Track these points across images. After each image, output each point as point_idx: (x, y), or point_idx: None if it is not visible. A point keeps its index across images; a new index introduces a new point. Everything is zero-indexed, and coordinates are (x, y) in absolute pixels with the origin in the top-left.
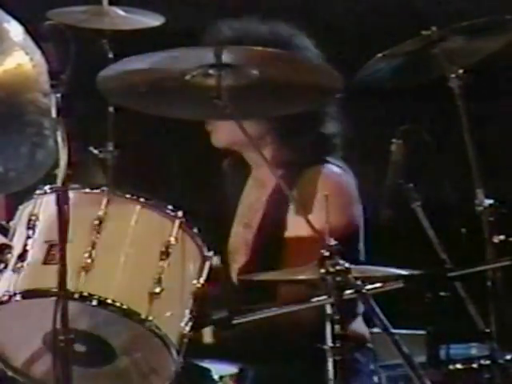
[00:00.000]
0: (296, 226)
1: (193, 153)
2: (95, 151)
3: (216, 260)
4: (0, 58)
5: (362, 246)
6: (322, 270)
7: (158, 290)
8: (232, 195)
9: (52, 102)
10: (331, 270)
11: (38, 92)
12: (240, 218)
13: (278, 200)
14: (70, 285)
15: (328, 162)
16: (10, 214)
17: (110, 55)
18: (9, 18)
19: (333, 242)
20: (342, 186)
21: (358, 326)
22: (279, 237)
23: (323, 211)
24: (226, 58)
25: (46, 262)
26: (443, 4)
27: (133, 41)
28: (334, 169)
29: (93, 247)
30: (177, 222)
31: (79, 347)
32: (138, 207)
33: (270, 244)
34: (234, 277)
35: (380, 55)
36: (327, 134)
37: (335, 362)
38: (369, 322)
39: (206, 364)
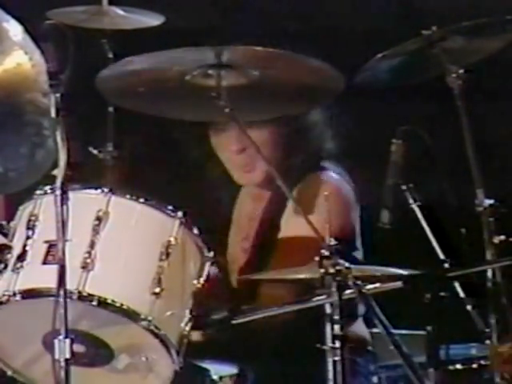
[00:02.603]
0: (290, 227)
1: (192, 153)
2: (95, 151)
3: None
4: None
5: (359, 245)
6: (322, 270)
7: (157, 290)
8: (226, 204)
9: (51, 102)
10: (331, 270)
11: (38, 92)
12: (237, 230)
13: (274, 208)
14: (70, 285)
15: (325, 168)
16: (10, 214)
17: (110, 55)
18: (8, 17)
19: (333, 242)
20: (339, 192)
21: (359, 328)
22: (273, 240)
23: (323, 214)
24: (225, 58)
25: (45, 261)
26: (443, 4)
27: (133, 41)
28: (333, 175)
29: (93, 247)
30: (177, 222)
31: (79, 347)
32: (138, 207)
33: (266, 247)
34: (235, 284)
35: (380, 55)
36: (322, 144)
37: (334, 363)
38: (369, 323)
39: (205, 364)
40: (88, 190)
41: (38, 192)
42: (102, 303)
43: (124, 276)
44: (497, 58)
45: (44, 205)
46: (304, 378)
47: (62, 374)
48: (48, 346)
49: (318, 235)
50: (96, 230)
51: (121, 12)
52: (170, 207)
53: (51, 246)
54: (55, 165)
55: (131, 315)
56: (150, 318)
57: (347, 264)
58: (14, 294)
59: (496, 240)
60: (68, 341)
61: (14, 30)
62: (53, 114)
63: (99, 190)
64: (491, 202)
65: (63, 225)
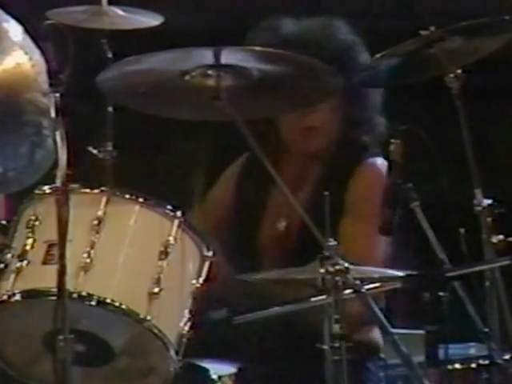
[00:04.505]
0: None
1: (192, 152)
2: (95, 151)
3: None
4: None
5: None
6: (322, 270)
7: (156, 289)
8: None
9: (51, 102)
10: (330, 269)
11: (37, 92)
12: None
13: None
14: (70, 285)
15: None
16: (10, 214)
17: (110, 55)
18: (8, 17)
19: (332, 243)
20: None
21: (374, 334)
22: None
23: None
24: (225, 58)
25: (45, 261)
26: (442, 4)
27: (132, 41)
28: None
29: (92, 247)
30: (176, 222)
31: (79, 347)
32: (137, 207)
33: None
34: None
35: (379, 55)
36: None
37: (334, 362)
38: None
39: (205, 364)
40: (87, 190)
41: (37, 192)
42: (101, 303)
43: (123, 276)
44: (496, 58)
45: (44, 205)
46: (304, 377)
47: (62, 373)
48: (48, 345)
49: (318, 235)
50: (95, 230)
51: (120, 12)
52: (169, 207)
53: (51, 245)
54: (55, 164)
55: (130, 315)
56: (148, 318)
57: (346, 264)
58: (14, 294)
59: (494, 240)
60: (68, 341)
61: (14, 30)
62: (53, 113)
63: (98, 190)
64: (490, 201)
65: (63, 225)
